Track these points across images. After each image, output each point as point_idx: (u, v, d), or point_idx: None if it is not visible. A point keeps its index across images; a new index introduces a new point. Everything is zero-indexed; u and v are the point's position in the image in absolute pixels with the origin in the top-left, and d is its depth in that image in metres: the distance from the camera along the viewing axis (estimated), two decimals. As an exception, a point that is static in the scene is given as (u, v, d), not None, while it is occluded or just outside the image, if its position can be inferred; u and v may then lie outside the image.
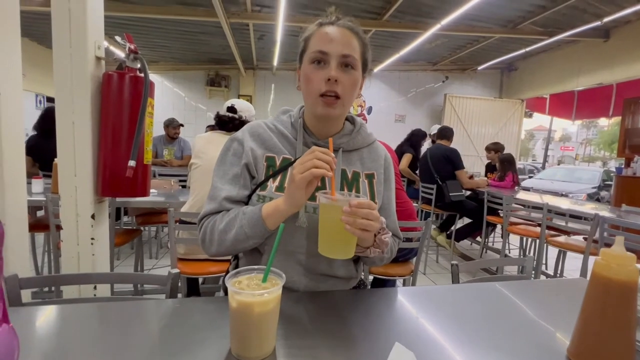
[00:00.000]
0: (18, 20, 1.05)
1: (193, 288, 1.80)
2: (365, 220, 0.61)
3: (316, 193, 0.67)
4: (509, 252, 3.71)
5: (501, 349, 0.58)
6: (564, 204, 2.90)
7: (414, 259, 1.75)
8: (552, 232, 2.74)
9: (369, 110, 6.80)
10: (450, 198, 3.28)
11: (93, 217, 1.21)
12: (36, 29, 4.46)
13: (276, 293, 0.52)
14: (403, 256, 1.79)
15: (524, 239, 3.31)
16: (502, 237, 3.10)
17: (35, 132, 2.72)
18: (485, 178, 4.08)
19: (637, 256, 0.53)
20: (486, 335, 0.62)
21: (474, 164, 6.40)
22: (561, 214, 2.53)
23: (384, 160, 0.85)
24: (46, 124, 2.65)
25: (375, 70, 6.38)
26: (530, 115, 7.67)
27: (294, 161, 0.76)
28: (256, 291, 0.51)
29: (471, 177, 3.66)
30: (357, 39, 0.73)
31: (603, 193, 7.47)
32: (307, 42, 0.74)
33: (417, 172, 3.95)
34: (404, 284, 1.81)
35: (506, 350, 0.58)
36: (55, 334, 0.58)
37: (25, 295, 0.76)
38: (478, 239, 3.86)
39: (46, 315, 0.62)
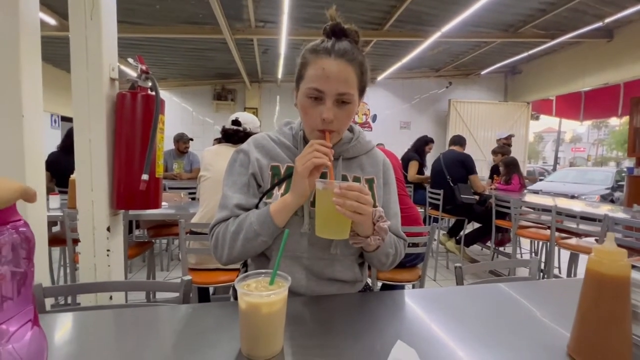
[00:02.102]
0: (39, 48, 1.14)
1: (204, 298, 1.84)
2: (356, 203, 0.64)
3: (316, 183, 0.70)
4: (521, 256, 3.66)
5: (503, 345, 0.60)
6: (575, 205, 2.87)
7: (422, 264, 1.76)
8: (564, 235, 2.71)
9: (374, 118, 6.85)
10: (462, 200, 3.30)
11: (108, 229, 1.27)
12: (51, 52, 4.68)
13: (282, 294, 0.55)
14: (410, 261, 1.79)
15: (535, 242, 3.27)
16: (508, 240, 3.07)
17: (57, 149, 2.88)
18: (489, 180, 4.12)
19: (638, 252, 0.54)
20: (488, 333, 0.64)
21: (482, 168, 6.35)
22: (571, 215, 2.50)
23: (383, 165, 0.89)
24: (67, 142, 2.84)
25: (379, 78, 6.45)
26: (537, 118, 7.62)
27: None
28: (264, 292, 0.54)
29: None
30: (354, 69, 0.72)
31: (617, 194, 7.31)
32: (303, 69, 0.74)
33: (424, 174, 4.03)
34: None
35: (508, 347, 0.59)
36: (77, 338, 0.62)
37: (47, 304, 0.81)
38: (488, 244, 3.82)
39: (68, 322, 0.66)
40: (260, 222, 0.73)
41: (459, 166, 3.46)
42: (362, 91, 0.77)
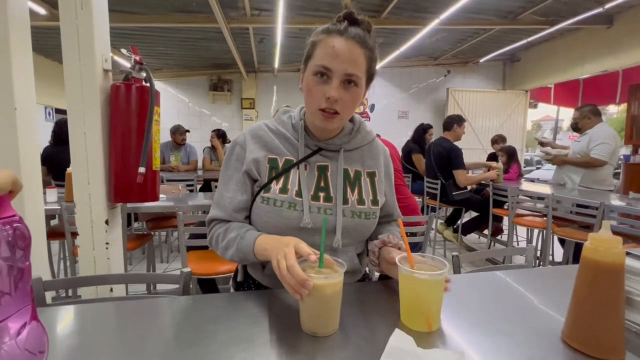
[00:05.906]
0: (29, 39, 1.11)
1: (211, 289, 1.87)
2: None
3: (400, 268, 0.63)
4: (517, 244, 3.69)
5: (499, 333, 0.61)
6: (571, 193, 2.88)
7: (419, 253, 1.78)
8: (560, 222, 2.73)
9: (372, 107, 6.81)
10: (454, 197, 3.26)
11: (107, 222, 1.26)
12: (43, 42, 4.58)
13: (342, 277, 0.59)
14: (408, 251, 1.81)
15: (531, 230, 3.30)
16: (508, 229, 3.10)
17: (50, 143, 2.86)
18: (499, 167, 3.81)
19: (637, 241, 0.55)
20: (485, 320, 0.65)
21: (479, 157, 6.36)
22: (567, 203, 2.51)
23: (384, 158, 0.88)
24: (57, 134, 2.79)
25: (376, 67, 6.37)
26: (535, 106, 7.60)
27: (297, 163, 0.79)
28: (330, 274, 0.58)
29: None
30: (365, 53, 0.72)
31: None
32: (313, 48, 0.73)
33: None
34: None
35: (504, 334, 0.60)
36: (79, 331, 0.62)
37: (48, 298, 0.81)
38: (485, 232, 3.86)
39: (69, 315, 0.67)
40: (243, 257, 0.75)
41: (445, 160, 3.29)
42: (369, 79, 0.77)
